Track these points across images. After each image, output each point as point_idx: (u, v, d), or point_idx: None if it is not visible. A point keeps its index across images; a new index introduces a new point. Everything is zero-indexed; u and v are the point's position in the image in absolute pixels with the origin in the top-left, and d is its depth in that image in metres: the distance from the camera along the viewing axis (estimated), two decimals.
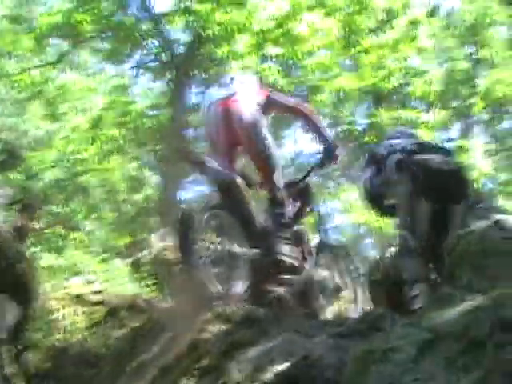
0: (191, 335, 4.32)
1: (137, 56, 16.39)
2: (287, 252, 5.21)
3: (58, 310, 5.81)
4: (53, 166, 19.62)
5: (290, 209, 5.49)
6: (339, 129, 17.61)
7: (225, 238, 4.90)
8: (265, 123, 5.44)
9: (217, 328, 4.27)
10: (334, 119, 17.72)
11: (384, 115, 16.21)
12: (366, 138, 17.45)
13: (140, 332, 5.10)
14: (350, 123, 17.68)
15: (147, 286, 7.08)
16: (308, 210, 5.86)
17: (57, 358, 5.13)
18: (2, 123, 18.90)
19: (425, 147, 5.29)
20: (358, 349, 2.92)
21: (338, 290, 5.77)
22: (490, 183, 18.18)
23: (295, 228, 5.45)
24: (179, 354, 4.21)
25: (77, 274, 6.99)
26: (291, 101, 5.90)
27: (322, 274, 5.60)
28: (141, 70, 16.40)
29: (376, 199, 5.57)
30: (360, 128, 17.70)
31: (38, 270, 7.02)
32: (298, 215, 5.63)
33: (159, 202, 15.80)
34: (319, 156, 5.94)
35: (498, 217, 3.06)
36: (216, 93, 5.65)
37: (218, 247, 4.80)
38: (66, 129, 20.23)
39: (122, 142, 18.57)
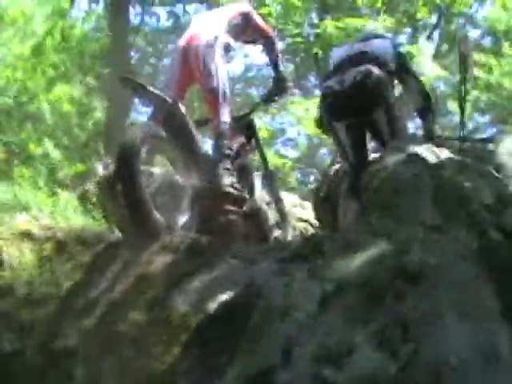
0: (139, 268, 4.31)
1: None
2: (232, 183, 5.17)
3: (2, 248, 5.70)
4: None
5: (235, 142, 5.45)
6: (287, 41, 17.43)
7: (167, 167, 4.84)
8: (219, 52, 5.34)
9: (164, 259, 4.26)
10: (281, 32, 17.45)
11: (330, 25, 15.95)
12: (315, 50, 17.34)
13: (89, 267, 5.04)
14: (297, 35, 17.46)
15: (94, 218, 6.99)
16: (252, 145, 5.86)
17: (2, 299, 5.06)
18: None
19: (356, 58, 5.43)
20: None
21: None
22: (442, 85, 18.16)
23: (240, 161, 5.41)
24: (127, 288, 4.20)
25: (24, 210, 6.84)
26: (261, 21, 5.91)
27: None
28: None
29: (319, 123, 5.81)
30: (307, 40, 17.44)
31: None
32: (243, 149, 5.58)
33: (107, 127, 15.55)
34: (268, 89, 5.97)
35: (413, 150, 2.94)
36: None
37: (161, 177, 4.73)
38: (7, 57, 19.83)
39: (65, 68, 18.21)
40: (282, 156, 19.33)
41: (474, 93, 17.92)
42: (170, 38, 18.16)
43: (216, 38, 5.34)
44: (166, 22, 18.00)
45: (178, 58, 5.43)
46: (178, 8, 18.21)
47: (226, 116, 5.27)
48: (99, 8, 17.14)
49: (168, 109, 4.90)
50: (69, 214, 6.82)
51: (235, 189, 5.17)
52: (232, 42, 5.48)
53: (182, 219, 4.75)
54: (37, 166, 19.49)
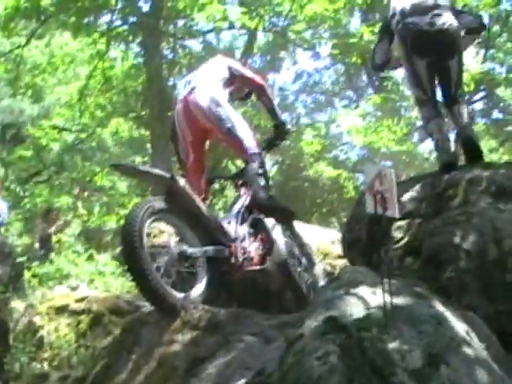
0: (161, 349, 4.29)
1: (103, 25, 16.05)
2: (247, 242, 5.09)
3: (42, 326, 5.78)
4: (63, 129, 19.90)
5: (245, 195, 5.42)
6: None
7: (174, 240, 4.80)
8: (224, 97, 5.39)
9: (184, 338, 4.23)
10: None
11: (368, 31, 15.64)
12: (354, 58, 17.20)
13: (122, 340, 5.03)
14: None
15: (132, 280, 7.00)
16: None
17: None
18: None
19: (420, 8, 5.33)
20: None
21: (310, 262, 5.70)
22: None
23: (253, 216, 5.35)
24: (151, 373, 4.18)
25: (65, 278, 6.93)
26: (249, 72, 5.91)
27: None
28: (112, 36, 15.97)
29: (378, 66, 5.87)
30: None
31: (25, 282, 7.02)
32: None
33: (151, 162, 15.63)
34: (269, 137, 6.01)
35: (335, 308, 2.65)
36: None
37: (170, 251, 4.68)
38: (58, 101, 20.47)
39: (112, 107, 18.57)
40: (336, 166, 19.18)
41: None
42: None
43: (210, 89, 5.34)
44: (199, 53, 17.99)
45: (181, 118, 5.40)
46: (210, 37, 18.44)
47: (254, 147, 5.26)
48: (133, 47, 17.34)
49: (168, 184, 4.84)
50: (107, 279, 6.85)
51: (251, 247, 5.10)
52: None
53: (199, 291, 4.67)
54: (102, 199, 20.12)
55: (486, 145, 19.59)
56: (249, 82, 5.82)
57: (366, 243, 5.46)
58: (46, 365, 5.43)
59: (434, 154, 5.77)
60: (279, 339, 3.69)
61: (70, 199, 19.96)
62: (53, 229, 11.41)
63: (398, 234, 4.99)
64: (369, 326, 2.35)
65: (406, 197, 5.14)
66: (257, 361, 3.50)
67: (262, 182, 5.15)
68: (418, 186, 5.15)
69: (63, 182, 21.37)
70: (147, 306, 5.49)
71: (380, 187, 2.89)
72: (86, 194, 20.75)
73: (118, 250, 8.09)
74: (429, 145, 16.12)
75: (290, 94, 24.96)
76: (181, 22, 16.34)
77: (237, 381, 3.40)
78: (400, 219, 5.07)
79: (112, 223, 14.05)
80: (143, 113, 16.67)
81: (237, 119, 5.33)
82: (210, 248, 4.83)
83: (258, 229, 5.29)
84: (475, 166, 5.13)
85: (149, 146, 17.35)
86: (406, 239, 4.86)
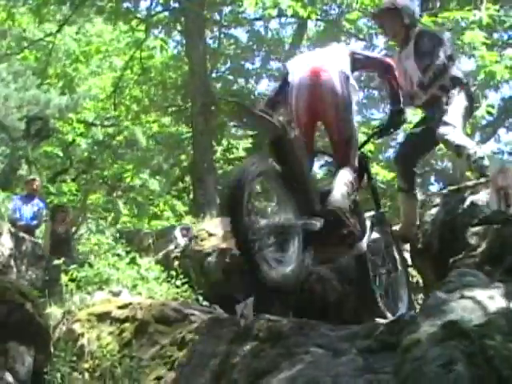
0: (216, 361, 4.32)
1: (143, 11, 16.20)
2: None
3: (82, 334, 5.84)
4: (92, 124, 20.13)
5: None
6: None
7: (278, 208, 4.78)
8: (355, 99, 5.40)
9: (243, 349, 4.25)
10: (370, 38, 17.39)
11: (427, 21, 15.53)
12: None
13: (172, 351, 5.08)
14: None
15: (177, 286, 7.06)
16: (364, 182, 5.78)
17: None
18: (21, 97, 19.11)
19: None
20: None
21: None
22: None
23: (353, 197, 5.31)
24: None
25: (105, 283, 7.00)
26: (374, 54, 6.20)
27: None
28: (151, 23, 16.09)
29: None
30: None
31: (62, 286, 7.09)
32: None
33: (195, 162, 15.67)
34: (384, 122, 6.01)
35: (451, 309, 2.69)
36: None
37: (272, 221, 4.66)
38: (90, 92, 20.64)
39: (149, 100, 18.68)
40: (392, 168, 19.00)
41: None
42: (250, 57, 18.36)
43: (344, 73, 5.28)
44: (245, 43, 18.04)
45: (304, 88, 5.28)
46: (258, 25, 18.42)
47: (355, 161, 5.30)
48: (175, 34, 17.42)
49: (277, 134, 4.81)
50: (151, 285, 6.91)
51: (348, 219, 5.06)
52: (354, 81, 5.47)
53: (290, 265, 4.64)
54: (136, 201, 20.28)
55: None
56: (375, 62, 5.82)
57: (439, 251, 5.46)
58: (87, 375, 5.49)
59: None
60: (349, 352, 3.70)
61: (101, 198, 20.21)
62: (65, 229, 11.48)
63: (473, 241, 4.97)
64: (492, 333, 2.35)
65: (482, 201, 5.13)
66: (326, 375, 3.50)
67: None
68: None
69: (92, 180, 21.59)
70: (196, 315, 5.58)
71: (503, 182, 2.90)
72: (116, 193, 21.03)
73: (161, 253, 8.19)
74: None
75: None
76: (227, 9, 16.41)
77: None
78: (476, 225, 5.07)
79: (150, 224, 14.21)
80: (184, 107, 16.73)
81: (356, 128, 5.43)
82: (308, 220, 4.81)
83: (354, 213, 5.26)
84: None
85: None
86: (483, 246, 4.84)
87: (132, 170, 20.22)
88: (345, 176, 5.14)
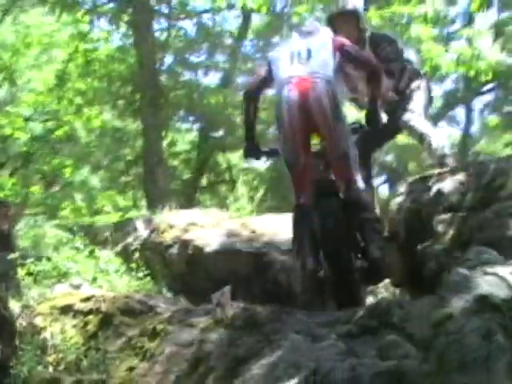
0: (191, 350, 4.33)
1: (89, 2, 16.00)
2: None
3: (44, 328, 5.76)
4: (28, 120, 19.74)
5: None
6: None
7: None
8: (342, 100, 5.34)
9: (219, 337, 4.27)
10: None
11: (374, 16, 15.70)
12: None
13: (142, 342, 5.05)
14: None
15: (139, 278, 7.03)
16: None
17: None
18: None
19: None
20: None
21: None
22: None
23: None
24: (181, 375, 4.22)
25: (64, 276, 6.92)
26: (364, 54, 5.67)
27: None
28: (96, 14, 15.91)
29: None
30: None
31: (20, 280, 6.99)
32: None
33: (145, 154, 15.56)
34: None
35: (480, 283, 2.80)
36: None
37: None
38: (29, 85, 20.22)
39: (93, 93, 18.43)
40: None
41: None
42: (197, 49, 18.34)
43: (330, 82, 5.11)
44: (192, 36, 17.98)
45: (293, 104, 5.12)
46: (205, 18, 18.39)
47: (360, 181, 5.20)
48: (121, 27, 17.21)
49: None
50: (111, 278, 6.86)
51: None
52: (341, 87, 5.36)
53: None
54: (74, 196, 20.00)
55: (501, 139, 19.81)
56: (365, 64, 5.44)
57: (406, 239, 5.54)
58: (51, 369, 5.43)
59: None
60: (329, 337, 3.74)
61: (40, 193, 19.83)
62: (7, 224, 11.28)
63: (440, 229, 5.07)
64: None
65: (448, 189, 5.22)
66: (308, 360, 3.54)
67: None
68: (460, 177, 5.22)
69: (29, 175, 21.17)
70: (162, 306, 5.56)
71: None
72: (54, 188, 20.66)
73: (120, 246, 8.13)
74: None
75: None
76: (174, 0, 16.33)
77: (287, 381, 3.44)
78: (442, 212, 5.17)
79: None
80: (132, 100, 16.60)
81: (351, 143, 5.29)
82: None
83: None
84: None
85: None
86: (450, 233, 4.94)
87: (72, 164, 19.87)
88: None
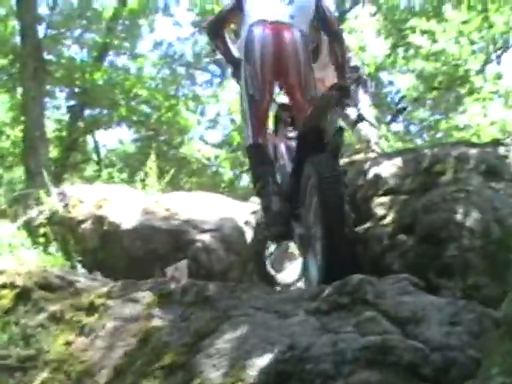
0: (137, 325, 4.20)
1: None
2: None
3: None
4: None
5: None
6: None
7: None
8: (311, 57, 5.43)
9: (168, 312, 4.18)
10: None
11: None
12: None
13: (77, 315, 4.84)
14: None
15: (48, 253, 6.77)
16: None
17: None
18: None
19: None
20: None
21: None
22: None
23: None
24: (129, 350, 4.08)
25: None
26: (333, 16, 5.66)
27: None
28: None
29: None
30: None
31: None
32: None
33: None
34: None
35: None
36: None
37: None
38: None
39: None
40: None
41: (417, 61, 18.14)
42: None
43: (304, 35, 5.23)
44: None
45: (270, 54, 5.16)
46: None
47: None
48: None
49: None
50: (19, 252, 6.56)
51: None
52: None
53: None
54: None
55: None
56: (329, 24, 5.46)
57: None
58: None
59: None
60: (296, 314, 3.72)
61: None
62: None
63: (380, 211, 5.16)
64: None
65: (385, 173, 5.32)
66: (281, 335, 3.51)
67: None
68: (398, 162, 5.34)
69: None
70: (81, 281, 5.40)
71: None
72: None
73: (22, 220, 7.78)
74: None
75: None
76: None
77: (260, 356, 3.37)
78: (381, 195, 5.27)
79: None
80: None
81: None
82: None
83: None
84: (459, 143, 5.44)
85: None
86: (391, 216, 5.03)
87: None
88: None
